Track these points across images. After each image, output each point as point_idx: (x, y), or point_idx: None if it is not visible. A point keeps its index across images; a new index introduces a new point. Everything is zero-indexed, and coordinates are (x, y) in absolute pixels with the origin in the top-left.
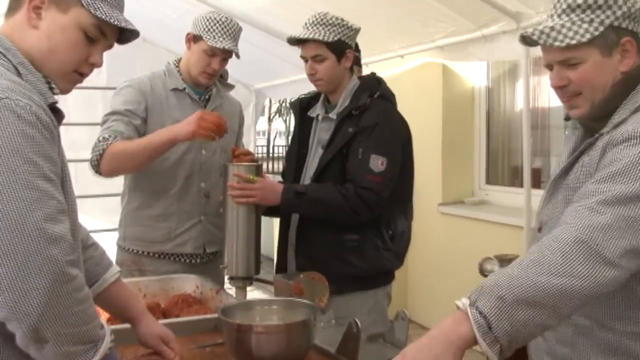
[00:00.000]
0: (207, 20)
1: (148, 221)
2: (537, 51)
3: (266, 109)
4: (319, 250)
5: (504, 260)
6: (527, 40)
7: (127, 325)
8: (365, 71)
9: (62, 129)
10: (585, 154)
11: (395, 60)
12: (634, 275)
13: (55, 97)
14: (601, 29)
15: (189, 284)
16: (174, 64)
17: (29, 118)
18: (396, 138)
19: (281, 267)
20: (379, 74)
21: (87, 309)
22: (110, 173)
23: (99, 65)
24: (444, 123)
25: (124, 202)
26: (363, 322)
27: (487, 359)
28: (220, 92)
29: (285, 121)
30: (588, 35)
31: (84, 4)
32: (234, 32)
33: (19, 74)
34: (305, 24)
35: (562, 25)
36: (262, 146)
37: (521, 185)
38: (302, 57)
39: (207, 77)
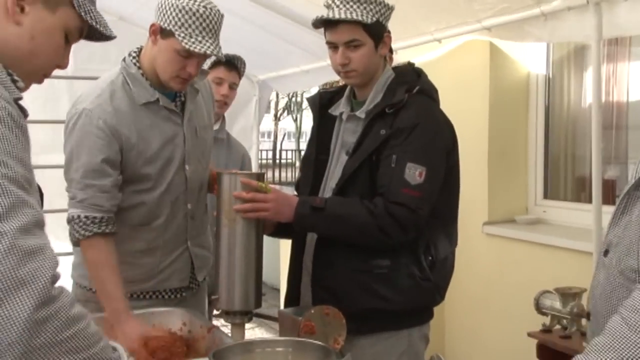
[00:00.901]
0: (179, 10)
1: (127, 258)
2: (610, 31)
3: (272, 105)
4: (341, 279)
5: (568, 295)
6: None
7: None
8: (395, 59)
9: None
10: None
11: (430, 44)
12: None
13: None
14: None
15: (174, 319)
16: (133, 62)
17: None
18: (439, 143)
19: (292, 300)
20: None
21: (84, 329)
22: None
23: (66, 66)
24: (490, 122)
25: None
26: None
27: None
28: (195, 84)
29: (295, 120)
30: None
31: (75, 5)
32: (215, 26)
33: None
34: (333, 1)
35: None
36: (266, 150)
37: (589, 201)
38: (329, 42)
39: (181, 83)
